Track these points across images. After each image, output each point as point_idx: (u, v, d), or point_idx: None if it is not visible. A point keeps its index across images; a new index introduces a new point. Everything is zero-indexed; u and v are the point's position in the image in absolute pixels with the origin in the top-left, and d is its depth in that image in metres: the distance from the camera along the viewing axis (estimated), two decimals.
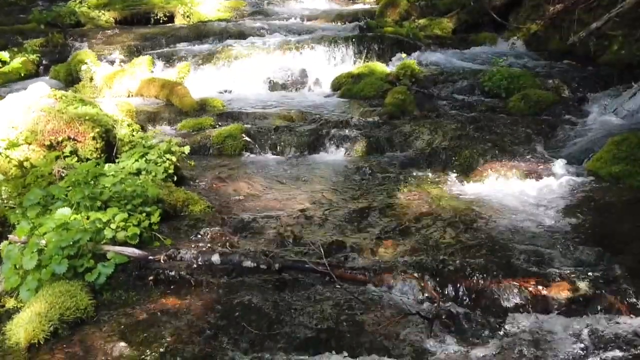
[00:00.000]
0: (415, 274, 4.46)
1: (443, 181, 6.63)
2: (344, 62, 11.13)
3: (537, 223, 5.42)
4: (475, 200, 6.03)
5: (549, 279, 4.38)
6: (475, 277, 4.43)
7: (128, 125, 7.64)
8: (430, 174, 6.85)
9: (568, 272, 4.46)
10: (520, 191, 6.21)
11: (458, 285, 4.41)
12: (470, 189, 6.38)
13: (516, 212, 5.70)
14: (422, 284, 4.37)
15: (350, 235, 5.33)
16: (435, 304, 4.16)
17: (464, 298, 4.34)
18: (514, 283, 4.36)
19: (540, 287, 4.32)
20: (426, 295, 4.35)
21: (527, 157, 6.95)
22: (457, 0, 13.93)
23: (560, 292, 4.30)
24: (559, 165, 6.61)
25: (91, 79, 10.09)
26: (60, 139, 6.11)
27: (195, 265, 4.65)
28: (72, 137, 6.19)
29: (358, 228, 5.50)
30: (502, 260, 4.62)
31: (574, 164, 6.76)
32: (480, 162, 6.95)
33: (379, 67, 10.44)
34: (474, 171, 6.81)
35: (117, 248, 4.63)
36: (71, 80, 10.41)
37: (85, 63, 10.11)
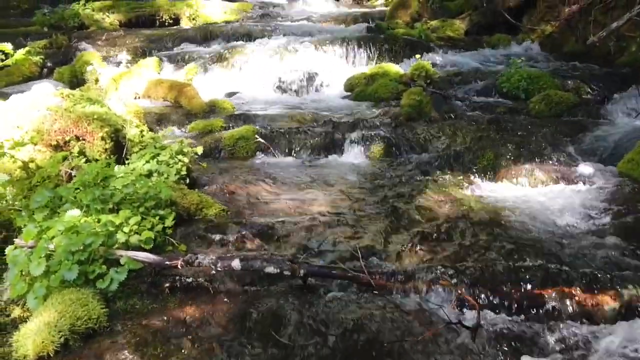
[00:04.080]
0: (451, 281, 4.16)
1: (467, 184, 6.32)
2: (357, 63, 10.88)
3: (573, 227, 5.14)
4: (504, 204, 5.73)
5: (593, 286, 4.08)
6: (515, 285, 4.12)
7: (136, 125, 7.37)
8: (453, 177, 6.54)
9: (611, 279, 4.15)
10: (550, 194, 5.92)
11: (497, 293, 4.09)
12: (497, 192, 6.08)
13: (548, 216, 5.40)
14: (460, 292, 4.06)
15: (376, 240, 5.02)
16: (476, 313, 3.85)
17: (505, 306, 4.03)
18: (557, 290, 4.05)
19: (585, 295, 4.02)
20: (465, 303, 4.05)
21: (553, 159, 6.65)
22: (469, 1, 13.68)
23: (606, 300, 4.00)
24: (588, 168, 6.33)
25: (96, 81, 9.83)
26: (67, 138, 5.82)
27: (214, 272, 4.34)
28: (79, 136, 5.89)
29: (384, 232, 5.19)
30: (541, 267, 4.30)
31: (603, 166, 6.48)
32: (505, 165, 6.66)
33: (393, 68, 10.16)
34: (499, 173, 6.53)
35: (131, 253, 4.32)
36: (76, 82, 10.15)
37: (91, 64, 9.85)
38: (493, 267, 4.32)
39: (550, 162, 6.59)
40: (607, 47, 10.62)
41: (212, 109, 8.87)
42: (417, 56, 10.46)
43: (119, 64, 10.41)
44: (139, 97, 9.50)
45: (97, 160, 5.86)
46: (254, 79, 10.45)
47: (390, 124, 8.01)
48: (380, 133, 7.68)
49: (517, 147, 6.98)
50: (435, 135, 7.65)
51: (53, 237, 4.27)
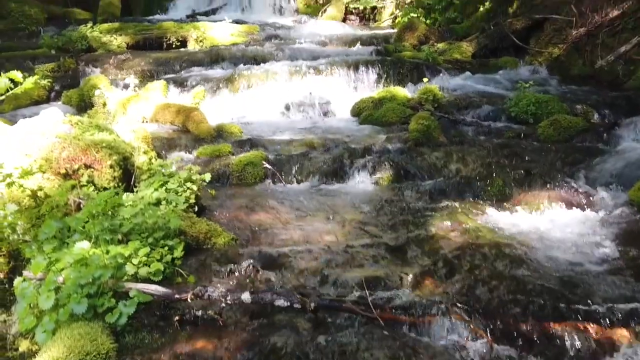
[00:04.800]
0: (463, 315, 4.11)
1: (477, 211, 6.26)
2: (364, 86, 10.86)
3: (585, 258, 5.07)
4: (514, 233, 5.68)
5: (608, 321, 4.03)
6: (528, 318, 4.08)
7: (145, 152, 7.35)
8: (462, 204, 6.49)
9: (625, 313, 4.11)
10: (561, 223, 5.86)
11: (510, 326, 4.05)
12: (507, 220, 6.02)
13: (560, 246, 5.35)
14: (472, 326, 4.02)
15: (386, 271, 4.97)
16: (488, 346, 3.80)
17: (518, 341, 3.98)
18: (572, 325, 4.01)
19: (600, 330, 3.97)
20: (476, 336, 4.00)
21: (564, 186, 6.61)
22: (476, 24, 13.70)
23: (622, 336, 3.95)
24: (599, 195, 6.30)
25: (104, 105, 9.82)
26: (76, 166, 5.79)
27: (223, 304, 4.31)
28: (88, 164, 5.87)
29: (393, 262, 5.15)
30: (554, 299, 4.26)
31: (615, 193, 6.43)
32: (515, 191, 6.63)
33: (400, 92, 10.14)
34: (509, 201, 6.49)
35: (140, 286, 4.29)
36: (84, 105, 10.15)
37: (98, 88, 9.85)
38: (504, 300, 4.28)
39: (560, 188, 6.55)
40: (615, 70, 10.62)
41: (219, 133, 8.84)
42: (425, 80, 10.45)
43: (126, 87, 10.40)
44: (147, 121, 9.49)
45: (105, 188, 5.83)
46: (261, 102, 10.43)
47: (398, 149, 7.97)
48: (389, 159, 7.64)
49: (526, 173, 6.95)
50: (444, 160, 7.62)
51: (62, 270, 4.24)
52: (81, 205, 5.32)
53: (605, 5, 11.55)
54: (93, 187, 5.76)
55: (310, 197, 7.00)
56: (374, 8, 18.11)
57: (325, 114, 10.20)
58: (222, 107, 10.38)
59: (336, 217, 6.29)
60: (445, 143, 8.19)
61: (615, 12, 11.26)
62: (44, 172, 5.75)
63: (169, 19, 17.40)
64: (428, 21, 15.09)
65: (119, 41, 13.88)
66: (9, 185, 5.29)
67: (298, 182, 7.47)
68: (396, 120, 9.35)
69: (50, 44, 12.99)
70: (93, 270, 4.15)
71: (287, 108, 10.31)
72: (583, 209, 6.12)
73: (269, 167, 7.49)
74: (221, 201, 6.71)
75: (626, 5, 11.23)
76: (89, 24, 14.14)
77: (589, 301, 4.25)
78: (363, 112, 9.85)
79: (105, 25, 14.70)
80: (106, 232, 4.72)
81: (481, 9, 14.35)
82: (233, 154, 8.01)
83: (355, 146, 8.12)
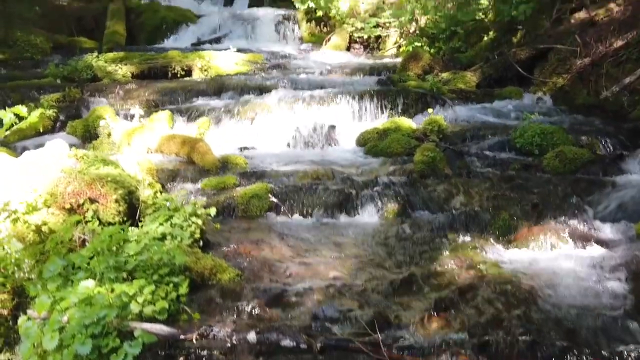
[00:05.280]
0: (471, 357, 4.07)
1: (484, 246, 6.22)
2: (369, 117, 10.84)
3: (593, 296, 5.04)
4: (521, 268, 5.65)
5: None
6: None
7: (149, 184, 7.34)
8: (469, 238, 6.46)
9: (637, 357, 4.06)
10: (569, 259, 5.83)
11: None
12: (514, 256, 5.99)
13: (567, 283, 5.31)
14: None
15: (392, 308, 4.94)
16: None
17: None
18: None
19: None
20: None
21: (571, 220, 6.58)
22: (480, 53, 13.72)
23: None
24: (606, 229, 6.28)
25: (109, 135, 9.83)
26: (81, 201, 5.78)
27: (229, 344, 4.27)
28: (93, 199, 5.86)
29: (400, 300, 5.12)
30: (565, 340, 4.23)
31: (622, 227, 6.41)
32: (521, 225, 6.59)
33: (405, 122, 10.14)
34: (516, 235, 6.45)
35: (146, 325, 4.25)
36: (89, 136, 10.15)
37: (103, 119, 9.86)
38: (511, 341, 4.23)
39: (567, 222, 6.52)
40: (620, 100, 10.60)
41: (224, 164, 8.83)
42: (430, 110, 10.45)
43: (131, 117, 10.40)
44: (152, 152, 9.49)
45: (110, 223, 5.82)
46: (265, 132, 10.43)
47: (404, 181, 7.95)
48: (394, 191, 7.62)
49: (532, 206, 6.94)
50: (449, 193, 7.59)
51: (66, 309, 4.21)
52: (86, 242, 5.30)
53: (610, 35, 11.58)
54: (98, 221, 5.74)
55: (316, 230, 6.98)
56: (378, 37, 18.13)
57: (330, 144, 10.18)
58: (227, 137, 10.37)
59: (342, 251, 6.27)
60: (450, 175, 8.16)
61: (620, 43, 11.28)
62: (48, 207, 5.74)
63: (174, 47, 17.49)
64: (432, 50, 15.12)
65: (124, 70, 13.93)
66: (14, 221, 5.28)
67: (303, 214, 7.44)
68: (401, 151, 9.33)
69: (56, 73, 13.04)
70: (98, 310, 4.11)
71: (292, 138, 10.29)
72: (591, 244, 6.09)
73: (274, 199, 7.47)
74: (226, 235, 6.69)
75: (630, 36, 11.25)
76: (95, 53, 14.20)
77: (597, 344, 4.21)
78: (368, 143, 9.84)
79: (111, 55, 14.76)
80: (111, 269, 4.69)
81: (485, 38, 14.39)
82: (238, 186, 7.99)
83: (361, 178, 8.11)
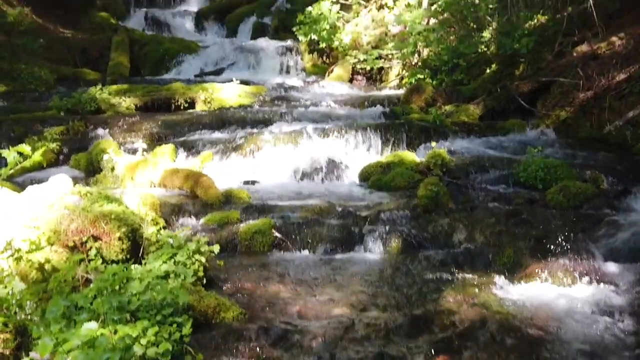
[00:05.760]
0: None
1: (488, 283, 6.19)
2: (372, 150, 10.85)
3: (599, 338, 5.00)
4: (526, 307, 5.62)
5: None
6: None
7: (152, 219, 7.34)
8: (473, 275, 6.44)
9: None
10: (573, 297, 5.80)
11: None
12: (519, 294, 5.95)
13: (573, 323, 5.27)
14: None
15: (397, 349, 4.91)
16: None
17: None
18: None
19: None
20: None
21: (576, 256, 6.54)
22: (483, 86, 13.75)
23: None
24: (612, 268, 6.25)
25: (112, 169, 9.84)
26: (84, 239, 5.77)
27: None
28: (96, 236, 5.84)
29: (404, 339, 5.08)
30: None
31: (628, 265, 6.38)
32: (526, 262, 6.59)
33: (409, 156, 10.14)
34: (520, 272, 6.43)
35: None
36: (92, 169, 10.17)
37: (107, 153, 9.87)
38: None
39: (572, 260, 6.48)
40: (623, 134, 10.61)
41: (228, 198, 8.79)
42: (433, 144, 10.44)
43: (135, 151, 10.40)
44: (155, 186, 9.49)
45: (113, 260, 5.81)
46: (269, 166, 10.42)
47: (407, 216, 7.94)
48: (398, 226, 7.61)
49: (537, 242, 6.93)
50: (453, 228, 7.58)
51: (69, 351, 4.17)
52: (89, 281, 5.27)
53: (612, 69, 11.62)
54: (101, 259, 5.72)
55: (319, 267, 6.95)
56: (380, 68, 18.17)
57: (334, 177, 10.17)
58: (230, 170, 10.37)
59: (345, 289, 6.23)
60: (454, 209, 8.15)
61: (622, 76, 11.33)
62: (52, 245, 5.73)
63: (177, 79, 17.56)
64: (434, 82, 15.14)
65: (127, 103, 13.95)
66: (17, 260, 5.26)
67: (307, 250, 7.42)
68: (405, 185, 9.31)
69: (60, 105, 13.06)
70: (101, 353, 4.07)
71: (295, 171, 10.28)
72: (597, 283, 6.06)
73: (278, 235, 7.45)
74: (229, 272, 6.65)
75: (632, 69, 11.30)
76: (98, 86, 14.21)
77: None
78: (371, 177, 9.83)
79: (114, 87, 14.78)
80: (114, 310, 4.65)
81: (487, 70, 14.43)
82: (241, 221, 7.96)
83: (364, 213, 8.08)
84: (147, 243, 6.19)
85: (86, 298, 4.77)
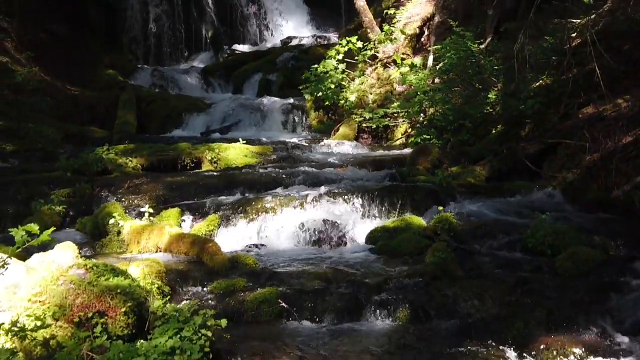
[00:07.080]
0: None
1: (497, 357, 6.11)
2: (378, 213, 10.81)
3: None
4: None
5: None
6: None
7: (158, 288, 7.30)
8: (482, 348, 6.36)
9: None
10: None
11: None
12: None
13: None
14: None
15: None
16: None
17: None
18: None
19: None
20: None
21: (587, 329, 6.49)
22: (488, 146, 13.75)
23: None
24: (625, 341, 6.17)
25: (118, 233, 9.83)
26: (90, 314, 5.72)
27: None
28: (102, 311, 5.79)
29: None
30: None
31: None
32: (536, 334, 6.50)
33: (415, 220, 10.12)
34: (531, 345, 6.34)
35: None
36: (98, 233, 10.13)
37: (113, 216, 9.86)
38: None
39: (584, 332, 6.44)
40: (631, 197, 10.56)
41: (234, 264, 8.74)
42: (440, 208, 10.39)
43: (141, 214, 10.37)
44: (161, 251, 9.46)
45: (119, 335, 5.75)
46: (275, 229, 10.38)
47: (415, 283, 7.86)
48: (405, 295, 7.54)
49: (547, 313, 6.86)
50: (461, 297, 7.50)
51: None
52: (94, 358, 5.21)
53: (618, 131, 11.62)
54: (106, 335, 5.66)
55: (326, 337, 6.87)
56: (386, 126, 18.22)
57: (340, 242, 10.13)
58: (236, 234, 10.36)
59: None
60: (462, 277, 8.09)
61: (629, 139, 11.31)
62: (57, 320, 5.68)
63: (184, 136, 17.69)
64: (440, 142, 15.18)
65: (134, 163, 14.01)
66: (22, 338, 5.21)
67: (314, 320, 7.34)
68: (412, 250, 9.27)
69: (66, 166, 13.07)
70: None
71: (301, 235, 10.24)
72: (607, 356, 5.97)
73: (284, 304, 7.39)
74: (236, 344, 6.55)
75: (639, 131, 11.28)
76: (105, 146, 14.25)
77: None
78: (378, 241, 9.78)
79: (121, 147, 14.84)
80: None
81: (493, 131, 14.44)
82: (248, 289, 7.90)
83: (371, 280, 8.02)
84: (152, 317, 6.12)
85: None
